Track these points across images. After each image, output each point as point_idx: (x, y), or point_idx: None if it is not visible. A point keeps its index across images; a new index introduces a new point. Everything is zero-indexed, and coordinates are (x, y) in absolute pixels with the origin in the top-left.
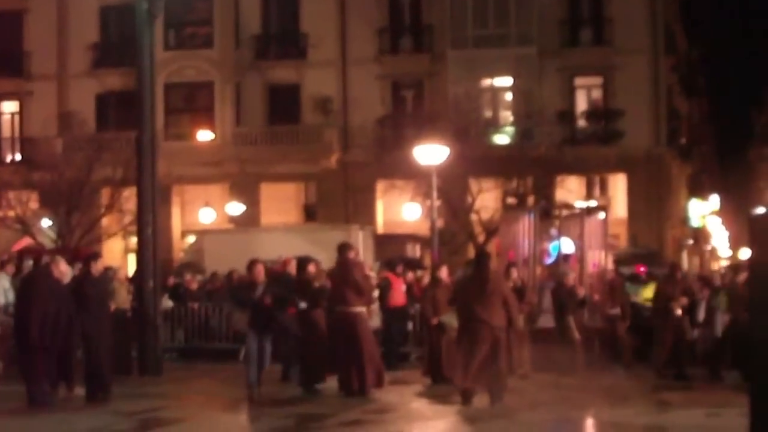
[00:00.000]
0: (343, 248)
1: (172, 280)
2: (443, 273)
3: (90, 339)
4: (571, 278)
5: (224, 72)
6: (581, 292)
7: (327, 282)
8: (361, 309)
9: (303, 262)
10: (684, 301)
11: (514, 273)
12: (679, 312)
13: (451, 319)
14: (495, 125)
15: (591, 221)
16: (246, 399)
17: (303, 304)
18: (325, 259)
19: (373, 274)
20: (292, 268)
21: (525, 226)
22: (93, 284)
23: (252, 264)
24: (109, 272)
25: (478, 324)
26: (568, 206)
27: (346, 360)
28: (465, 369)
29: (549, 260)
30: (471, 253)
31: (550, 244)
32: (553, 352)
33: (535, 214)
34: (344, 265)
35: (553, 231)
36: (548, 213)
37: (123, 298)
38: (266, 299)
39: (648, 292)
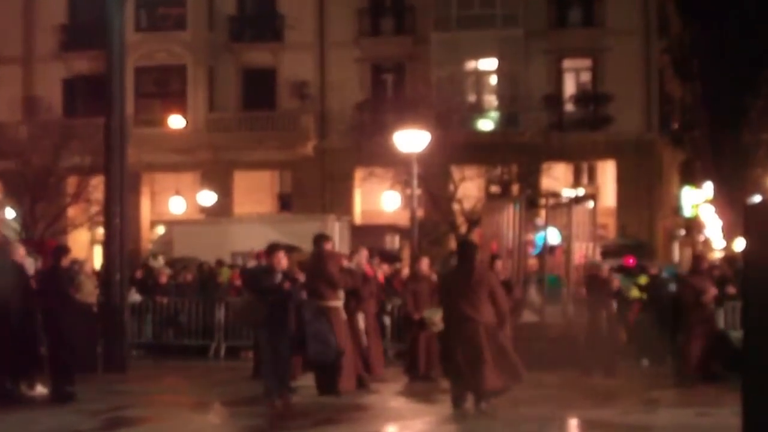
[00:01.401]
0: (319, 239)
1: (140, 273)
2: (424, 265)
3: (57, 334)
4: (606, 269)
5: (197, 55)
6: (616, 284)
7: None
8: (336, 304)
9: (272, 249)
10: (714, 291)
11: (499, 265)
12: (712, 306)
13: (433, 315)
14: (479, 110)
15: (578, 211)
16: (267, 409)
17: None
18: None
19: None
20: None
21: (509, 216)
22: (63, 277)
23: (272, 249)
24: (74, 265)
25: (464, 321)
26: (555, 195)
27: None
28: (453, 370)
29: (534, 252)
30: (453, 244)
31: (535, 234)
32: (534, 348)
33: (520, 203)
34: (319, 258)
35: (539, 221)
36: (533, 202)
37: (89, 292)
38: (286, 284)
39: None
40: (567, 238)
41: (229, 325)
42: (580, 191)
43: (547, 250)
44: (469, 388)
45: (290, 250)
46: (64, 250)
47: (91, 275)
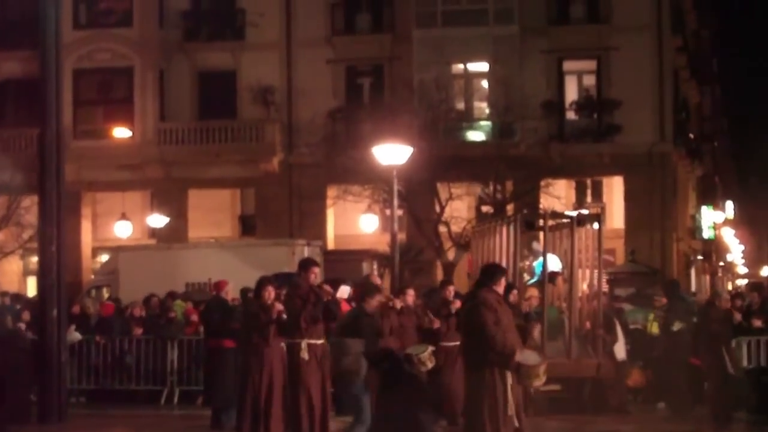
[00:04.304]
0: (299, 266)
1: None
2: (410, 297)
3: None
4: (726, 300)
5: (146, 56)
6: (738, 317)
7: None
8: (290, 341)
9: (260, 284)
10: None
11: (514, 296)
12: None
13: (418, 351)
14: (468, 119)
15: (582, 233)
16: None
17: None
18: None
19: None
20: (228, 293)
21: (503, 239)
22: None
23: None
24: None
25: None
26: (555, 215)
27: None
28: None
29: (531, 280)
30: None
31: (533, 260)
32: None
33: (515, 224)
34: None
35: (536, 245)
36: (531, 223)
37: None
38: None
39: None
40: (568, 265)
41: (183, 367)
42: (584, 211)
43: (547, 278)
44: None
45: (268, 283)
46: None
47: None
